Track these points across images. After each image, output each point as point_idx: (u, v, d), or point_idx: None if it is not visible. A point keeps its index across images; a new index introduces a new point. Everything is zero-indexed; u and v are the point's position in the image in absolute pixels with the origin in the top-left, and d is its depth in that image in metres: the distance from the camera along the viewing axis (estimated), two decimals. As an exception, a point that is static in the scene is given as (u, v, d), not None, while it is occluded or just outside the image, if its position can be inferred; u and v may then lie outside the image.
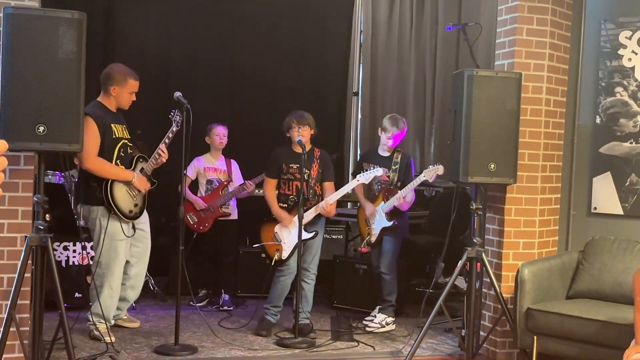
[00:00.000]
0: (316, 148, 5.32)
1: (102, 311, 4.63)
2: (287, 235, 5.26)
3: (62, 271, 5.39)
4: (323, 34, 7.80)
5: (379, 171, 5.23)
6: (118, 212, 4.79)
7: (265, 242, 5.33)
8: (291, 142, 5.28)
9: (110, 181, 4.76)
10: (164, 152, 4.93)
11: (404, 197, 5.30)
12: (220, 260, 6.17)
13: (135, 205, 4.93)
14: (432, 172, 5.19)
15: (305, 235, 5.09)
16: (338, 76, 8.01)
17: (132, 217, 4.92)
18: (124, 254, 4.94)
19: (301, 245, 5.04)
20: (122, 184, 4.83)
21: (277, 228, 5.30)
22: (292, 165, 5.27)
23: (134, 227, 4.97)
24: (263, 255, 5.44)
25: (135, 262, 5.10)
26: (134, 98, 4.97)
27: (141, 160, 4.98)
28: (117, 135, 4.86)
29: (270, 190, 5.35)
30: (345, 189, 5.30)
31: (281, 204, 5.31)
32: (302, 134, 5.16)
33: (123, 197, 4.84)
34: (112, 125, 4.83)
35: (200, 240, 6.06)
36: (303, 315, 5.19)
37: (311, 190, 5.22)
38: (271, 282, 5.37)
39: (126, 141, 4.95)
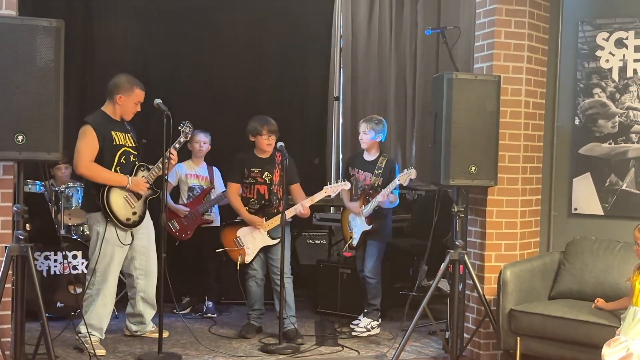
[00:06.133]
0: (278, 152, 5.30)
1: (85, 323, 4.59)
2: (251, 240, 5.30)
3: (43, 281, 5.35)
4: (303, 39, 7.80)
5: (347, 185, 5.31)
6: (114, 219, 4.76)
7: (228, 247, 5.37)
8: (255, 146, 5.32)
9: (107, 188, 4.74)
10: (173, 155, 4.90)
11: (387, 195, 5.30)
12: (203, 267, 6.14)
13: (134, 213, 4.88)
14: (406, 176, 5.19)
15: (270, 242, 5.22)
16: (319, 81, 8.02)
17: (131, 225, 4.88)
18: (120, 262, 4.89)
19: (284, 251, 5.02)
20: (120, 192, 4.80)
21: (239, 233, 5.34)
22: (253, 169, 5.31)
23: (132, 236, 4.93)
24: (224, 259, 5.46)
25: (140, 274, 5.04)
26: (139, 109, 4.94)
27: (142, 169, 4.94)
28: (118, 143, 4.82)
29: (235, 196, 5.37)
30: (316, 198, 5.29)
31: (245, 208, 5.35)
32: (270, 142, 5.24)
33: (120, 205, 4.80)
34: (113, 132, 4.80)
35: (183, 248, 6.03)
36: (287, 320, 5.18)
37: (274, 196, 5.27)
38: (244, 286, 5.41)
39: (129, 149, 4.90)
